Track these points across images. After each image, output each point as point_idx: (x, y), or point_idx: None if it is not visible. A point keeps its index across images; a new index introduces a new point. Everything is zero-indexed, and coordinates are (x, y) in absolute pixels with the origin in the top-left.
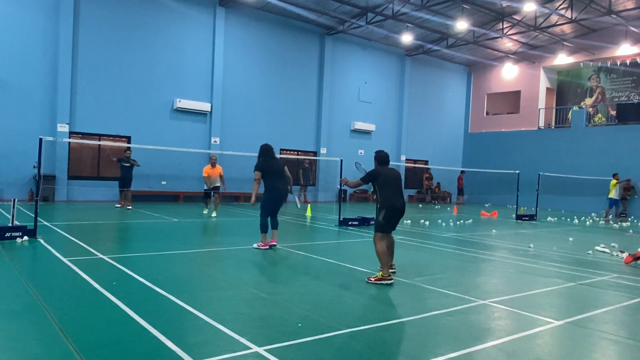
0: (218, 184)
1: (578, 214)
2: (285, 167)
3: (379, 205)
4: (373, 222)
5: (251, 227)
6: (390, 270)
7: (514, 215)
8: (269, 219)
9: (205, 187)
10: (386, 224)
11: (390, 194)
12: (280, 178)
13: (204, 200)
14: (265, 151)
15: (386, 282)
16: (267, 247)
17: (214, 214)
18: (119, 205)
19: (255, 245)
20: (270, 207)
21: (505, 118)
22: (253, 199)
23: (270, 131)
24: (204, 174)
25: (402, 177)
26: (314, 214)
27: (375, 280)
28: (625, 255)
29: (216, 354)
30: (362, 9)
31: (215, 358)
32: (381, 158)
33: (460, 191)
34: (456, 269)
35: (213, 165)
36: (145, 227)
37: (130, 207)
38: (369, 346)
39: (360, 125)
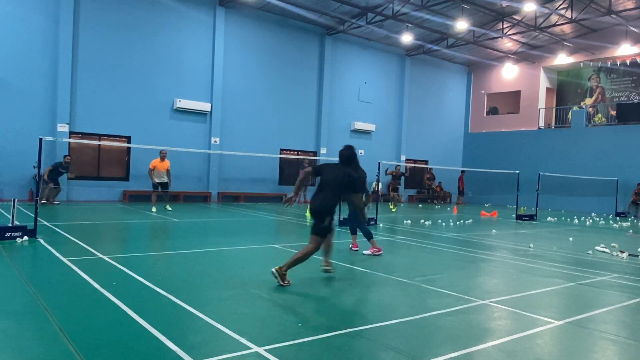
0: (165, 180)
1: (578, 214)
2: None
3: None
4: (373, 223)
5: (251, 227)
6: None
7: (514, 215)
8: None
9: (156, 180)
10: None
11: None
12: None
13: (154, 197)
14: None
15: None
16: (380, 251)
17: (168, 207)
18: (45, 201)
19: (366, 253)
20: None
21: (505, 118)
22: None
23: (271, 131)
24: (151, 166)
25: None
26: None
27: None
28: (625, 255)
29: (216, 354)
30: (362, 9)
31: (215, 358)
32: (340, 156)
33: (461, 191)
34: (456, 269)
35: (162, 159)
36: (145, 227)
37: (57, 203)
38: (369, 346)
39: (360, 125)
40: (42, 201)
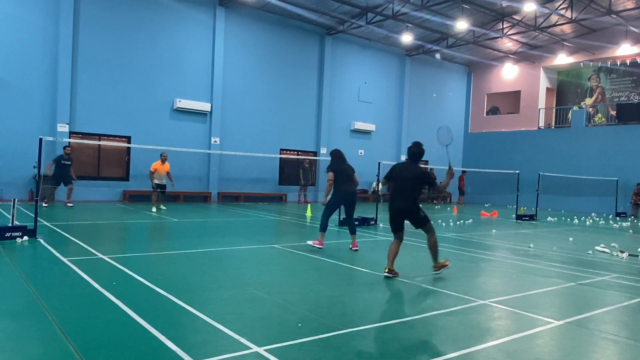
0: (165, 182)
1: (578, 214)
2: (355, 174)
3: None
4: (373, 222)
5: (251, 227)
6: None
7: (514, 215)
8: (329, 220)
9: (156, 182)
10: (390, 223)
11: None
12: (349, 181)
13: (154, 197)
14: (338, 156)
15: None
16: (321, 246)
17: (162, 207)
18: (45, 205)
19: (309, 242)
20: (335, 208)
21: (505, 118)
22: (325, 200)
23: (271, 131)
24: (152, 169)
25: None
26: (314, 214)
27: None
28: (625, 255)
29: (216, 354)
30: (362, 9)
31: (215, 358)
32: (410, 153)
33: (462, 191)
34: (456, 269)
35: (163, 162)
36: (145, 227)
37: (72, 205)
38: (369, 346)
39: (360, 125)
40: (44, 205)
